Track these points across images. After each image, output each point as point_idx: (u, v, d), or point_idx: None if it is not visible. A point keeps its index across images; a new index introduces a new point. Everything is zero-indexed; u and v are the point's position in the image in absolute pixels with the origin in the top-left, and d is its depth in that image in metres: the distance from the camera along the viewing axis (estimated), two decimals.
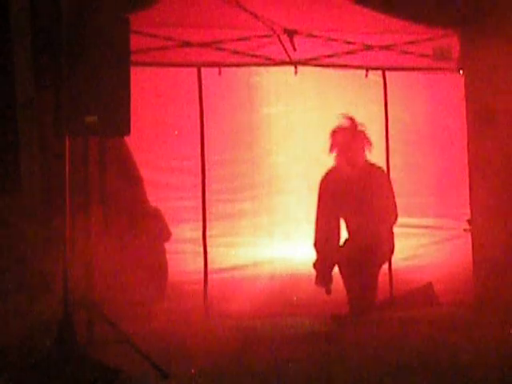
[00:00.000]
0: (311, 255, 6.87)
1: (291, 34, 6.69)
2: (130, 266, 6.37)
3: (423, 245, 7.55)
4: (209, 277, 6.68)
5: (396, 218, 6.75)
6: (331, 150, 6.62)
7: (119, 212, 6.52)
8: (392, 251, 6.78)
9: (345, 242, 6.65)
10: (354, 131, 6.64)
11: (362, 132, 6.66)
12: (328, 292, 6.62)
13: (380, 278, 6.79)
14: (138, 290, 6.32)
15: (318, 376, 5.12)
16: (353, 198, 6.59)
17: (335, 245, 6.63)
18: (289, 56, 6.86)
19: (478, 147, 6.83)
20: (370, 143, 6.70)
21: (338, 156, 6.65)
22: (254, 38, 6.76)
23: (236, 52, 6.80)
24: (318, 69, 7.04)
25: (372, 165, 6.74)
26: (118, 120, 5.15)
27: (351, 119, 6.67)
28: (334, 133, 6.67)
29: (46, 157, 6.00)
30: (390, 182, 6.82)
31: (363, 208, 6.56)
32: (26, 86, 5.83)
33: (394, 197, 6.77)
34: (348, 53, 6.99)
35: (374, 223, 6.55)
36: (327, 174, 6.76)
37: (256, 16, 6.49)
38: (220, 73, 6.78)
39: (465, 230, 7.06)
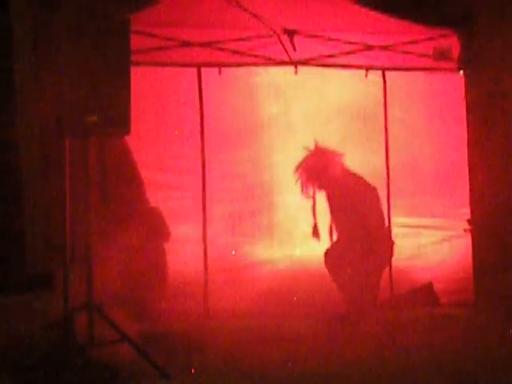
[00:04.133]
0: (311, 255, 6.88)
1: (291, 34, 6.69)
2: (129, 266, 6.37)
3: (423, 245, 7.54)
4: (209, 277, 6.68)
5: (382, 224, 6.78)
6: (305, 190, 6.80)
7: (119, 212, 6.51)
8: (391, 254, 6.80)
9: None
10: (317, 163, 6.71)
11: (325, 157, 6.71)
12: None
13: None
14: (137, 289, 6.31)
15: (318, 376, 5.12)
16: (341, 213, 6.69)
17: None
18: (289, 56, 6.86)
19: (477, 147, 6.83)
20: (336, 159, 6.73)
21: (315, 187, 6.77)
22: (254, 38, 6.76)
23: (236, 52, 6.80)
24: (318, 69, 7.04)
25: (352, 178, 6.76)
26: (118, 120, 5.15)
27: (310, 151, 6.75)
28: (299, 173, 6.79)
29: (46, 157, 6.00)
30: (372, 191, 6.80)
31: (350, 220, 6.64)
32: (26, 86, 5.83)
33: (375, 204, 6.77)
34: (348, 53, 6.99)
35: (361, 235, 6.61)
36: None
37: (256, 16, 6.49)
38: (220, 73, 6.79)
39: (465, 230, 7.06)
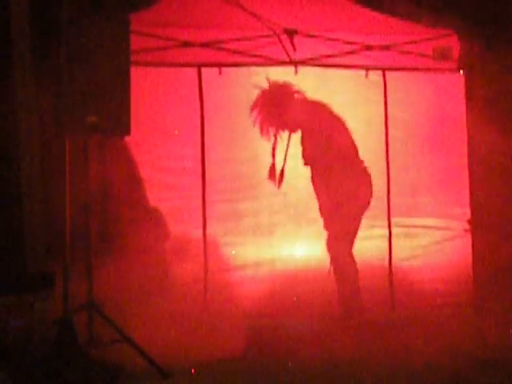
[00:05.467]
0: (311, 255, 6.88)
1: (291, 33, 6.69)
2: (129, 266, 6.37)
3: (423, 245, 7.54)
4: (209, 277, 6.69)
5: (356, 154, 6.58)
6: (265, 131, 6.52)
7: (119, 212, 6.51)
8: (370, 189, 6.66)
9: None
10: (274, 98, 6.51)
11: (281, 91, 6.56)
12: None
13: (380, 278, 6.81)
14: (137, 289, 6.31)
15: (318, 376, 5.12)
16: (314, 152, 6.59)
17: None
18: (289, 56, 6.86)
19: (477, 147, 6.83)
20: (294, 94, 6.54)
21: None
22: (254, 38, 6.76)
23: (236, 52, 6.80)
24: (318, 69, 7.04)
25: (317, 109, 6.58)
26: (117, 120, 5.16)
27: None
28: (256, 112, 6.57)
29: (46, 157, 6.00)
30: (339, 120, 6.57)
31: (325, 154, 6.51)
32: (26, 86, 5.83)
33: (345, 133, 6.54)
34: (348, 53, 6.99)
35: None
36: None
37: (256, 16, 6.49)
38: (220, 73, 6.79)
39: (465, 230, 7.06)
